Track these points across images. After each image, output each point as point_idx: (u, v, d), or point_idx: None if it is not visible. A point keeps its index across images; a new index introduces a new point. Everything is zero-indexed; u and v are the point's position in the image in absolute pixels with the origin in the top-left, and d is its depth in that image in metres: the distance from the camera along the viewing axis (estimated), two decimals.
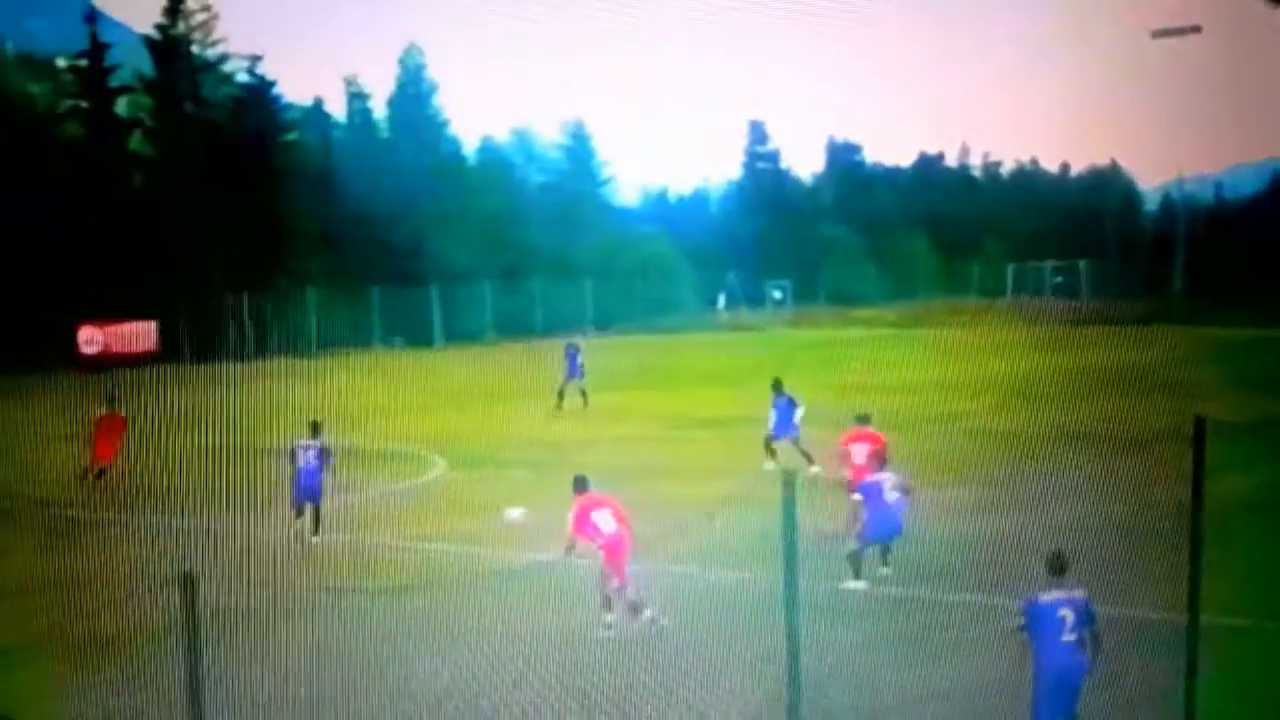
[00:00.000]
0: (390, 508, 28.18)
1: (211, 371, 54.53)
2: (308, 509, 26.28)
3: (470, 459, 34.33)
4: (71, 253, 72.90)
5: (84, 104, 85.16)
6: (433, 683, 16.19)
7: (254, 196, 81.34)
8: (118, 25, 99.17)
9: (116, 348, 71.45)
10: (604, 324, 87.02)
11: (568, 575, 19.71)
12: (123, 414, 32.51)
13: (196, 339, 70.66)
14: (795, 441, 31.80)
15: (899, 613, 18.91)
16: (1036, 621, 13.60)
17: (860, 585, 20.34)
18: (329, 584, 20.83)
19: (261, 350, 72.48)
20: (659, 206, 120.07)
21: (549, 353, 60.18)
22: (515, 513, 24.90)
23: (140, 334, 72.62)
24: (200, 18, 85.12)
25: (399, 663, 16.89)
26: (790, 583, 11.67)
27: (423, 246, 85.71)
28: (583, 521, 19.06)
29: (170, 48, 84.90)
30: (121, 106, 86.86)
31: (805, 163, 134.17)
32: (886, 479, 21.37)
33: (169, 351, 69.71)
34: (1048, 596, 13.65)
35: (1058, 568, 13.78)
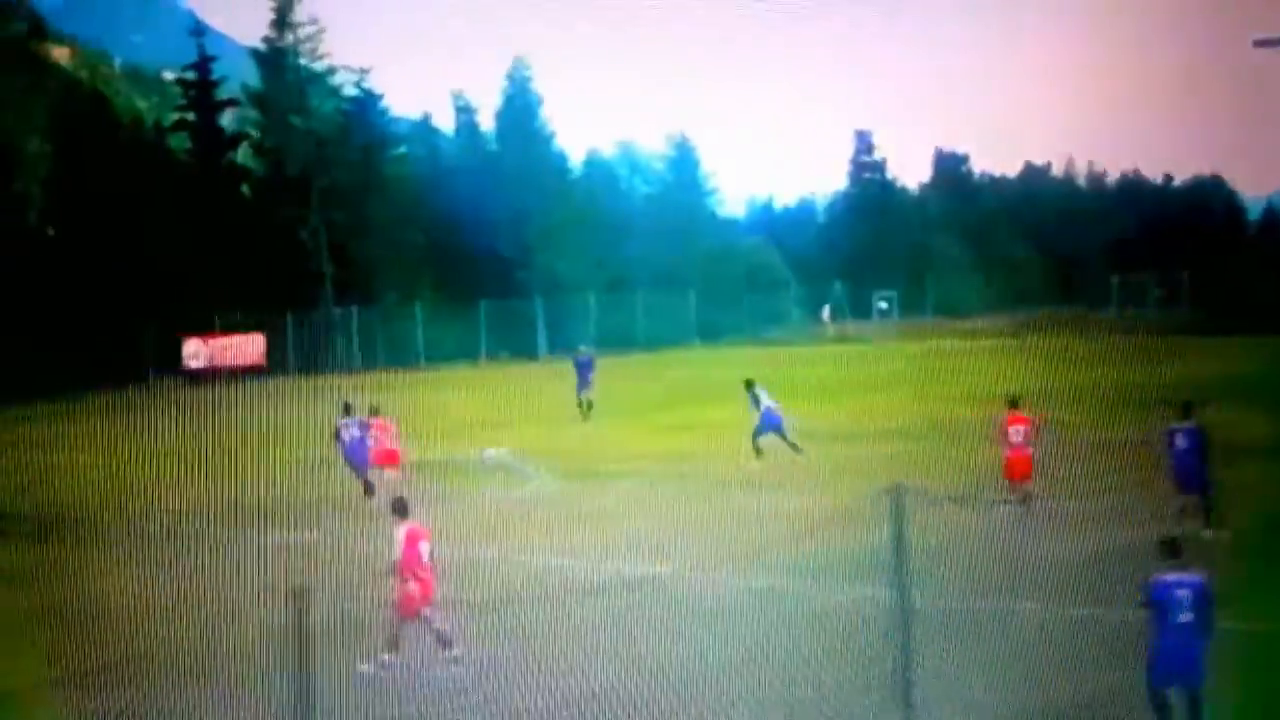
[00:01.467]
0: (493, 520, 27.87)
1: (317, 385, 54.93)
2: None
3: (572, 471, 34.30)
4: (177, 266, 73.73)
5: (190, 117, 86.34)
6: (535, 699, 15.94)
7: (360, 210, 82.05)
8: (224, 39, 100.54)
9: (221, 361, 71.91)
10: (709, 336, 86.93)
11: (677, 591, 19.63)
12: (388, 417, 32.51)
13: (303, 353, 71.12)
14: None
15: (1009, 628, 18.28)
16: (1155, 600, 13.76)
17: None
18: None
19: (368, 364, 73.02)
20: (764, 217, 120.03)
21: (653, 366, 60.32)
22: (491, 452, 24.92)
23: (246, 347, 72.99)
24: (308, 30, 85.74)
25: (501, 676, 16.78)
26: (901, 599, 11.61)
27: (529, 259, 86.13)
28: (410, 549, 18.39)
29: (277, 60, 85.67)
30: (227, 119, 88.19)
31: (912, 173, 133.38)
32: (1184, 428, 23.54)
33: (275, 365, 70.33)
34: (1166, 576, 13.82)
35: (1172, 551, 14.05)
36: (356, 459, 30.82)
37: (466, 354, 77.24)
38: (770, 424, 34.63)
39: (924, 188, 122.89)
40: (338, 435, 31.10)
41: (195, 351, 72.08)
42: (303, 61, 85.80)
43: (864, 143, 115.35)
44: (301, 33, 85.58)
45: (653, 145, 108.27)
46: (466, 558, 23.91)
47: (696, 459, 35.61)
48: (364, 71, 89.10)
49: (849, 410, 41.85)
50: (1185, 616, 13.60)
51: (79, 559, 25.61)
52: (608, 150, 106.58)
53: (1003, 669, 16.43)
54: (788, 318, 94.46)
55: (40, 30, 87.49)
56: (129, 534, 28.45)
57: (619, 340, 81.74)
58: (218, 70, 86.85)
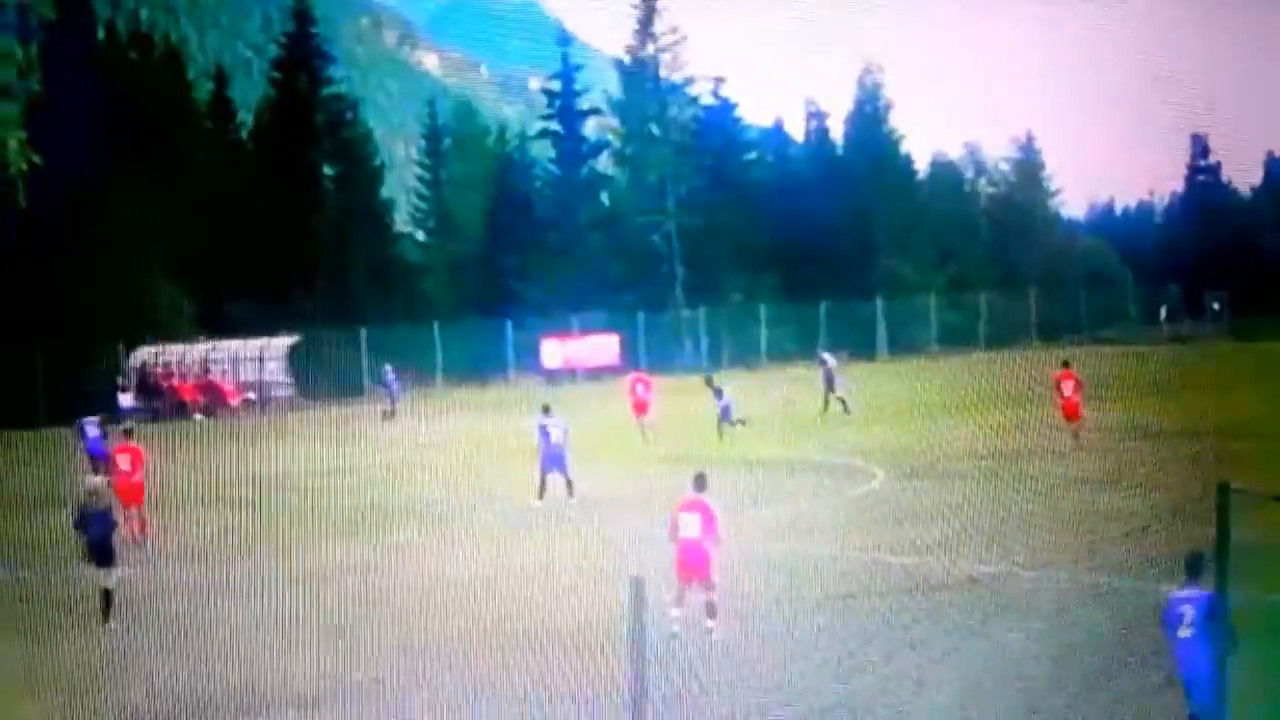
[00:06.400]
0: (830, 518, 28.40)
1: (665, 384, 56.40)
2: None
3: (910, 471, 34.40)
4: (536, 270, 76.84)
5: (554, 125, 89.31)
6: (859, 698, 16.13)
7: (711, 215, 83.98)
8: (588, 49, 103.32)
9: (578, 361, 74.32)
10: (1048, 335, 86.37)
11: (1010, 588, 20.10)
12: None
13: (654, 352, 73.05)
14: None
15: None
16: None
17: None
18: (769, 592, 21.18)
19: (714, 362, 74.69)
20: (1105, 218, 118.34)
21: (992, 365, 60.09)
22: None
23: (601, 347, 75.08)
24: (668, 40, 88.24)
25: (839, 672, 17.02)
26: (1220, 597, 12.01)
27: (871, 261, 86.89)
28: (672, 519, 19.53)
29: (639, 71, 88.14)
30: (590, 128, 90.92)
31: (1244, 176, 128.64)
32: None
33: (628, 365, 72.17)
34: None
35: None
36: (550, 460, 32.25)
37: (806, 354, 78.24)
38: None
39: (1256, 191, 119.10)
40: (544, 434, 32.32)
41: (553, 352, 74.36)
42: (663, 72, 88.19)
43: (1199, 146, 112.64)
44: (662, 43, 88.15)
45: (998, 147, 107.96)
46: (804, 554, 24.93)
47: (1034, 457, 35.33)
48: (720, 80, 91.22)
49: (1182, 408, 41.40)
50: None
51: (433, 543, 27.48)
52: (953, 152, 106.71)
53: None
54: (1124, 317, 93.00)
55: (411, 39, 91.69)
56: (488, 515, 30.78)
57: (958, 339, 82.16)
58: (582, 80, 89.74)
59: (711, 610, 19.07)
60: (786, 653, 17.91)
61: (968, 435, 40.86)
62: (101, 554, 22.43)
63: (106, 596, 22.05)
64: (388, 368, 59.19)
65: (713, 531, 19.30)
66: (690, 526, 19.27)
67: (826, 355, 52.25)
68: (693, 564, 19.19)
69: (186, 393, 66.55)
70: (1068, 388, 37.91)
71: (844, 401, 48.03)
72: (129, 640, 20.86)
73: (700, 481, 19.94)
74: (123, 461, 29.63)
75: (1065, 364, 39.15)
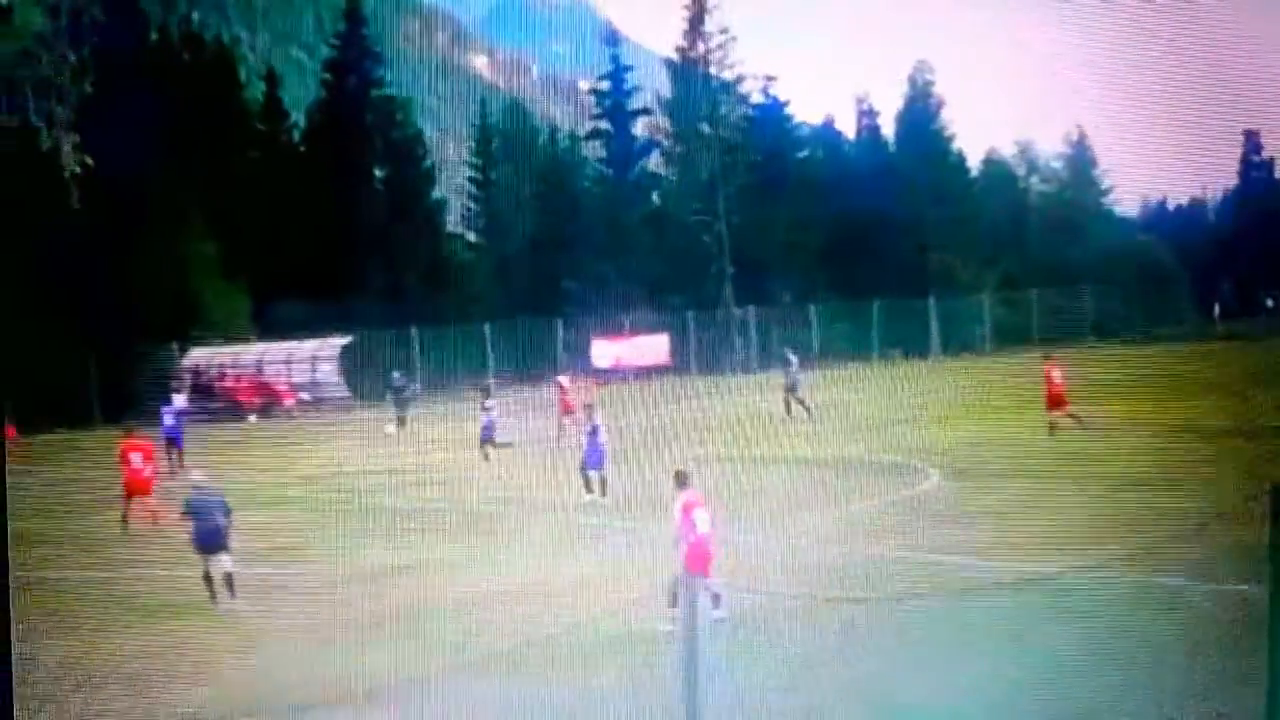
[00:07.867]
0: (883, 519, 28.63)
1: (715, 384, 56.51)
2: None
3: (964, 471, 34.64)
4: (589, 270, 76.65)
5: (604, 125, 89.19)
6: (921, 693, 16.58)
7: (762, 214, 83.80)
8: (639, 49, 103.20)
9: (628, 361, 74.22)
10: (1104, 333, 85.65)
11: (1063, 590, 20.38)
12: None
13: (704, 353, 72.92)
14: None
15: None
16: None
17: None
18: (823, 593, 21.67)
19: (764, 363, 74.47)
20: (1158, 215, 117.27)
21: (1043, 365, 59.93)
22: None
23: (651, 348, 74.78)
24: (718, 40, 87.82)
25: (892, 673, 17.53)
26: (1275, 599, 12.13)
27: (923, 259, 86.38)
28: (685, 516, 20.34)
29: (689, 70, 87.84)
30: (639, 128, 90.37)
31: None
32: None
33: (679, 365, 72.18)
34: None
35: None
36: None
37: (859, 353, 77.88)
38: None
39: None
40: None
41: (603, 351, 74.12)
42: (713, 71, 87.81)
43: (1252, 143, 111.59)
44: (713, 42, 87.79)
45: (1051, 144, 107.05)
46: (857, 555, 24.93)
47: (1087, 457, 35.64)
48: (770, 79, 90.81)
49: (1236, 407, 41.17)
50: None
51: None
52: (1006, 150, 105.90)
53: None
54: (1178, 315, 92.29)
55: (462, 40, 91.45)
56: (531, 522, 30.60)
57: (1012, 337, 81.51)
58: (632, 80, 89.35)
59: (718, 600, 19.71)
60: (839, 654, 18.48)
61: (1022, 434, 41.20)
62: (211, 544, 23.99)
63: (227, 579, 23.84)
64: (395, 374, 58.69)
65: (714, 526, 21.02)
66: (705, 522, 20.75)
67: (790, 355, 53.46)
68: (706, 558, 20.36)
69: (241, 394, 66.71)
70: (1057, 376, 41.47)
71: (803, 403, 48.28)
72: (186, 639, 21.11)
73: (683, 478, 21.44)
74: (135, 459, 32.45)
75: (1047, 356, 43.70)
